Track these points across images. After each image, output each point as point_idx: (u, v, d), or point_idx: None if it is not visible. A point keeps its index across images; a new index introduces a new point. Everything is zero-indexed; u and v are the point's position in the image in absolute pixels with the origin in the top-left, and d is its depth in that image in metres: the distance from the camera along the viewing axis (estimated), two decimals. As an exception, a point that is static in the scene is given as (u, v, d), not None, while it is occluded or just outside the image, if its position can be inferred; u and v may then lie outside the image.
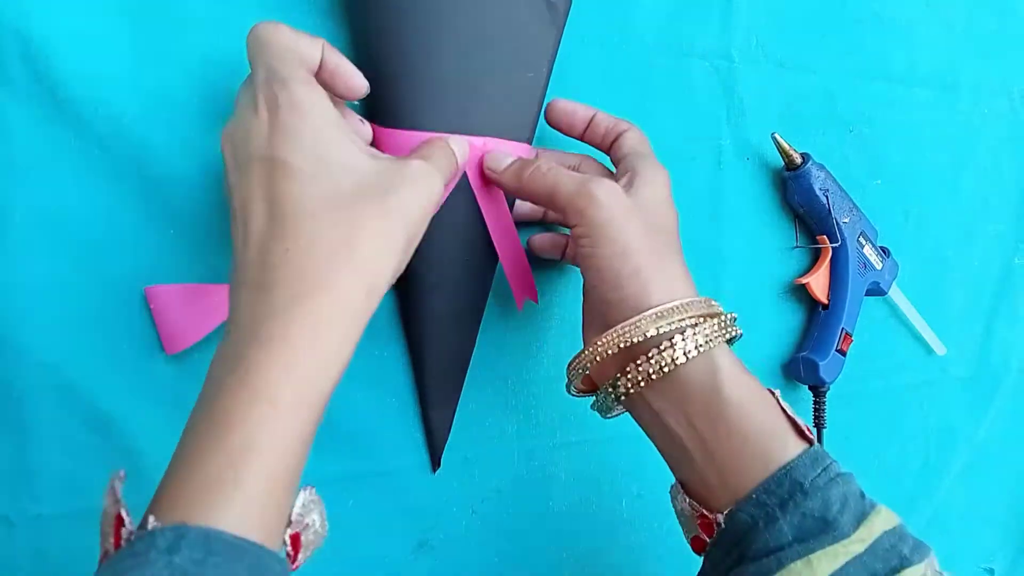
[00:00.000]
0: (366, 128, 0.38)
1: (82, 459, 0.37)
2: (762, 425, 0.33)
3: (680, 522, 0.37)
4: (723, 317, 0.34)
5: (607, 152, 0.41)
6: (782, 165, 0.52)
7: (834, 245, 0.52)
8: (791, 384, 0.54)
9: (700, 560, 0.37)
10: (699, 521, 0.35)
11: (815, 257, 0.54)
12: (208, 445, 0.25)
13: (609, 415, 0.38)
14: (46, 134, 0.36)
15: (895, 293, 0.57)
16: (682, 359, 0.33)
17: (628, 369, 0.34)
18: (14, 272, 0.36)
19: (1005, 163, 0.63)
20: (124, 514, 0.25)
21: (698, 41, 0.50)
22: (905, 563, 0.30)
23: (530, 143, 0.42)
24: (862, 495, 0.33)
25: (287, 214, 0.29)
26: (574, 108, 0.41)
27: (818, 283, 0.53)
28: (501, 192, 0.40)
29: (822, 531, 0.31)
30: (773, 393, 0.35)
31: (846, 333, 0.52)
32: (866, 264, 0.53)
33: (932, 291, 0.61)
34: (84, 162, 0.37)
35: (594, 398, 0.37)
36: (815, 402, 0.54)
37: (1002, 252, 0.64)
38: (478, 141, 0.39)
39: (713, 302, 0.35)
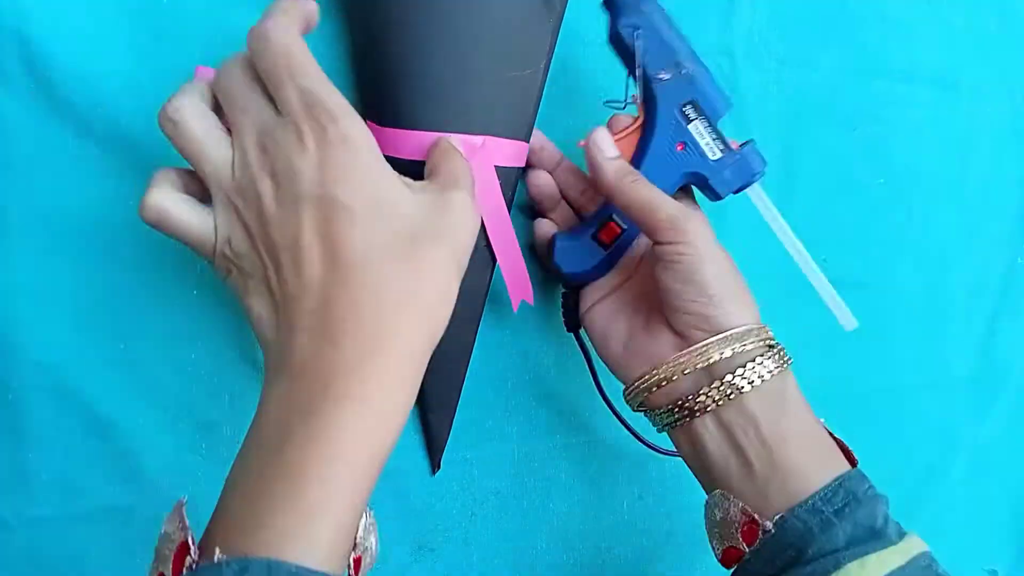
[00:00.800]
0: None
1: (79, 461, 0.37)
2: (821, 441, 0.37)
3: (713, 534, 0.38)
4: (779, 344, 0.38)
5: None
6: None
7: (638, 106, 0.40)
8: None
9: (699, 560, 0.37)
10: (744, 528, 0.36)
11: None
12: (282, 497, 0.25)
13: (667, 429, 0.40)
14: (45, 134, 0.36)
15: (758, 199, 0.41)
16: (767, 376, 0.36)
17: (715, 384, 0.36)
18: (12, 273, 0.36)
19: (1007, 162, 0.63)
20: (191, 542, 0.25)
21: (700, 38, 0.49)
22: None
23: (527, 142, 0.41)
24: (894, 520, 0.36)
25: (351, 263, 0.28)
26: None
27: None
28: (499, 193, 0.40)
29: (872, 538, 0.34)
30: (819, 421, 0.38)
31: (613, 223, 0.40)
32: (688, 145, 0.39)
33: (935, 290, 0.60)
34: (82, 162, 0.36)
35: (662, 412, 0.39)
36: (563, 295, 0.44)
37: (1005, 251, 0.64)
38: (476, 140, 0.39)
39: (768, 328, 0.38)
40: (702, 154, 0.39)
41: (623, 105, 0.40)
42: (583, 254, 0.41)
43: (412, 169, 0.38)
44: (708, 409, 0.36)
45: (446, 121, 0.38)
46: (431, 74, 0.38)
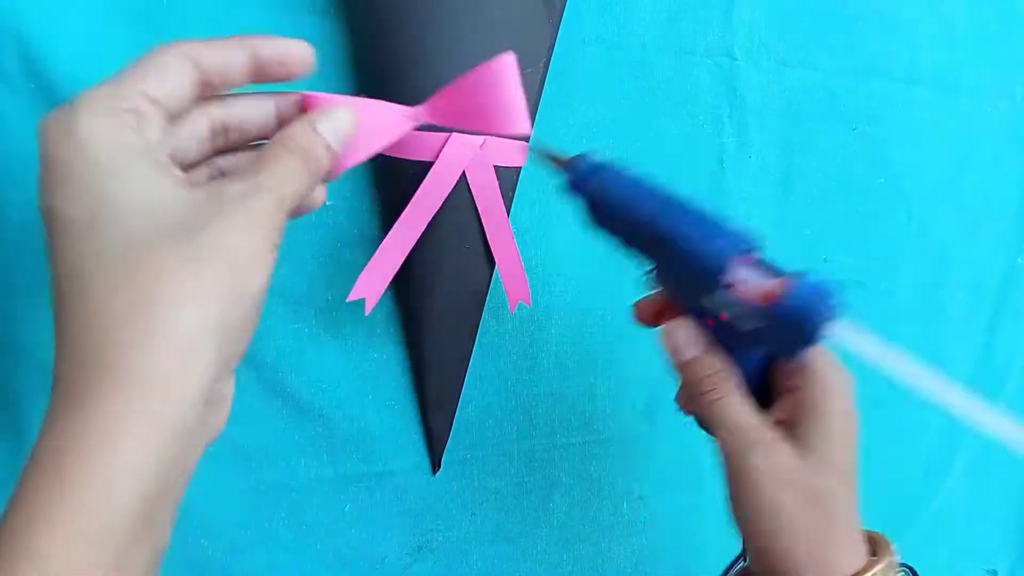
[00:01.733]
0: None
1: (80, 461, 0.37)
2: None
3: None
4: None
5: None
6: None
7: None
8: None
9: (698, 560, 0.36)
10: None
11: None
12: None
13: None
14: (43, 134, 0.36)
15: (854, 338, 0.30)
16: None
17: None
18: (11, 272, 0.36)
19: (1008, 162, 0.63)
20: None
21: (700, 39, 0.49)
22: None
23: (528, 141, 0.41)
24: None
25: (60, 284, 0.22)
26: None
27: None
28: (498, 193, 0.40)
29: None
30: None
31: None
32: (717, 321, 0.30)
33: (935, 290, 0.60)
34: (82, 162, 0.36)
35: None
36: None
37: (1005, 251, 0.64)
38: (477, 140, 0.39)
39: (880, 550, 0.31)
40: (734, 329, 0.30)
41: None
42: None
43: (414, 169, 0.38)
44: None
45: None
46: (432, 74, 0.38)
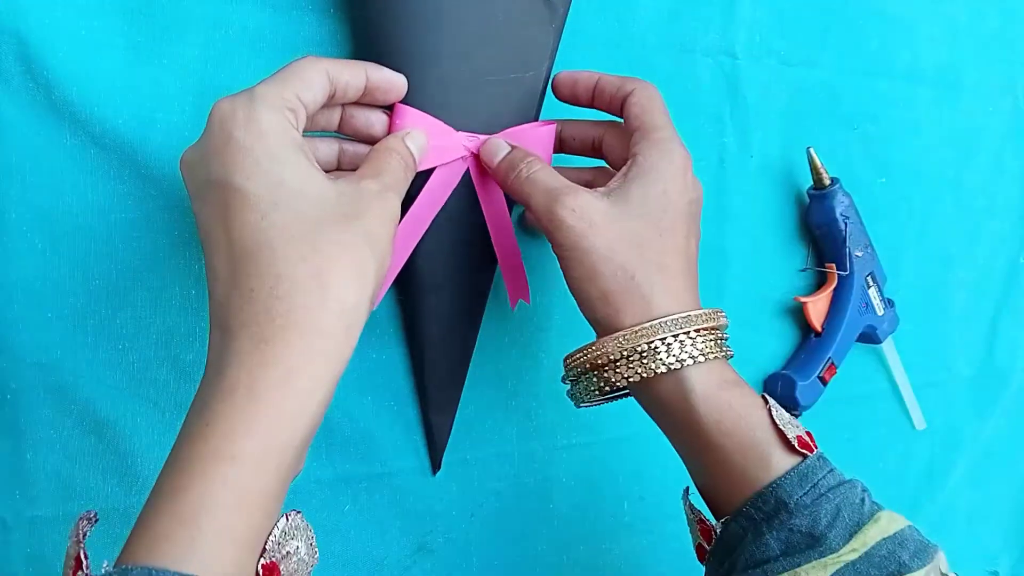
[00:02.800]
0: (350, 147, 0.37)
1: (78, 461, 0.37)
2: (741, 443, 0.33)
3: (689, 528, 0.38)
4: (709, 333, 0.34)
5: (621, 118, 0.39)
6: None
7: (841, 273, 0.52)
8: None
9: (701, 566, 0.37)
10: (699, 527, 0.36)
11: (820, 281, 0.54)
12: (165, 500, 0.24)
13: (580, 406, 0.38)
14: (42, 134, 0.36)
15: (888, 348, 0.56)
16: (636, 378, 0.33)
17: (595, 378, 0.35)
18: (10, 272, 0.36)
19: (1009, 161, 0.63)
20: (83, 556, 0.25)
21: (701, 38, 0.49)
22: (904, 569, 0.30)
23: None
24: (863, 502, 0.33)
25: (248, 249, 0.27)
26: (575, 77, 0.39)
27: (816, 308, 0.52)
28: (501, 194, 0.40)
29: (809, 546, 0.31)
30: (767, 401, 0.34)
31: (832, 363, 0.52)
32: (868, 304, 0.53)
33: (936, 290, 0.60)
34: (81, 162, 0.36)
35: (569, 387, 0.38)
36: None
37: (1006, 250, 0.64)
38: (479, 140, 0.38)
39: (701, 314, 0.34)
40: (875, 312, 0.53)
41: (804, 269, 0.54)
42: (814, 391, 0.51)
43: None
44: (596, 397, 0.36)
45: (448, 123, 0.38)
46: (434, 76, 0.37)
